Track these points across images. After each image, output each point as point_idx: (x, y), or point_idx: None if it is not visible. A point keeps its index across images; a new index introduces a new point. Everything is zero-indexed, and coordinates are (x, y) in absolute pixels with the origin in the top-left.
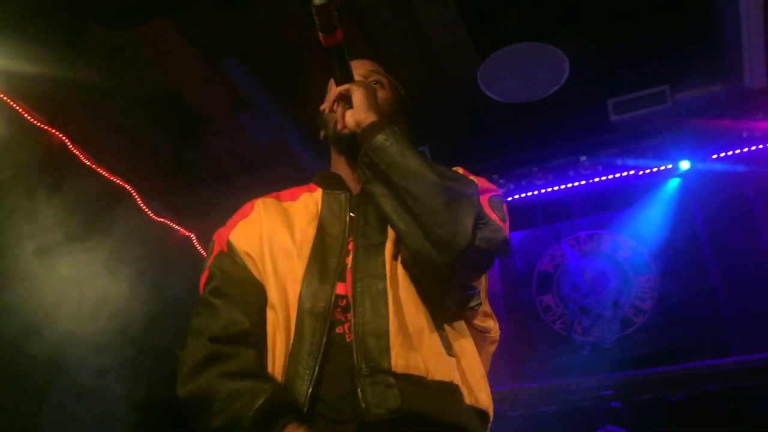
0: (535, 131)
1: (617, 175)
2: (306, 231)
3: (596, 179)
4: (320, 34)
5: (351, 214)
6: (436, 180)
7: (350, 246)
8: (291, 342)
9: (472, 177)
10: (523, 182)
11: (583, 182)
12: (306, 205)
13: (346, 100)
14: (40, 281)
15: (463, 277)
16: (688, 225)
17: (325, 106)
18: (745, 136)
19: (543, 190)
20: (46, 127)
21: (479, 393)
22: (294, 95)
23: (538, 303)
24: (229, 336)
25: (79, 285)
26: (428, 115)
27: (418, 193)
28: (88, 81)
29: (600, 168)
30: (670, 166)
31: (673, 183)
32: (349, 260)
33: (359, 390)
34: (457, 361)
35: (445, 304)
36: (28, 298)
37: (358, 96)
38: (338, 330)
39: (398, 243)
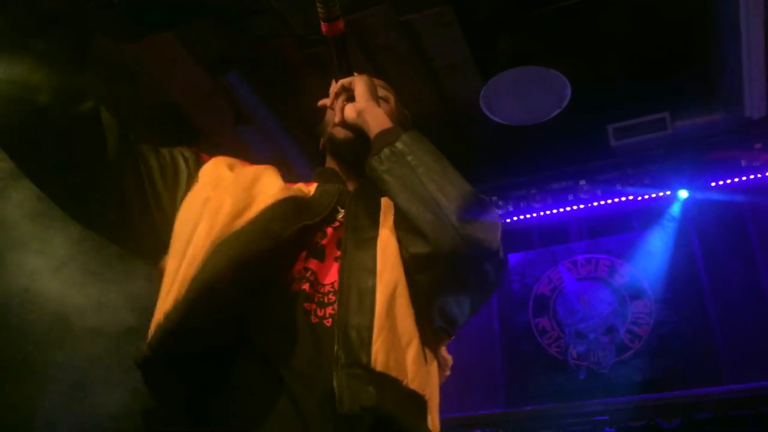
0: (535, 154)
1: (616, 200)
2: (293, 188)
3: (595, 203)
4: (322, 23)
5: (339, 207)
6: (471, 188)
7: (329, 230)
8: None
9: None
10: (521, 204)
11: (581, 206)
12: (300, 188)
13: (347, 92)
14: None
15: (467, 273)
16: (685, 252)
17: (325, 101)
18: (743, 165)
19: (541, 213)
20: None
21: (435, 420)
22: (294, 111)
23: (534, 326)
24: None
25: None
26: (428, 136)
27: (448, 189)
28: (90, 93)
29: (599, 193)
30: (668, 193)
31: (672, 210)
32: (326, 241)
33: (335, 380)
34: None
35: (431, 317)
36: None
37: (360, 87)
38: (294, 287)
39: (391, 239)
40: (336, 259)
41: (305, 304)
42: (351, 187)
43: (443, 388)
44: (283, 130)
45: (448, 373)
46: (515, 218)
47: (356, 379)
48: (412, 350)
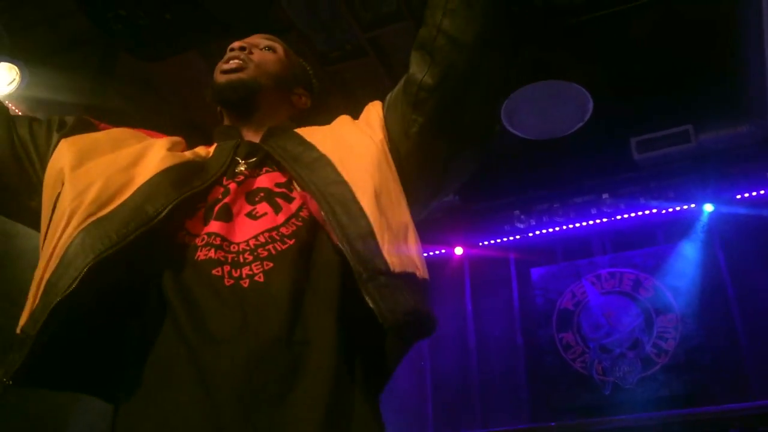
0: (557, 168)
1: (639, 213)
2: (181, 155)
3: (618, 217)
4: None
5: (240, 159)
6: None
7: (232, 186)
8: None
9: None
10: (544, 219)
11: (605, 220)
12: (196, 152)
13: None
14: None
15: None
16: (711, 265)
17: None
18: None
19: (564, 227)
20: None
21: None
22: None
23: (558, 341)
24: None
25: None
26: None
27: None
28: (116, 110)
29: (622, 206)
30: (693, 206)
31: (697, 223)
32: (229, 199)
33: (367, 297)
34: None
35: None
36: None
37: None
38: (199, 256)
39: (343, 151)
40: (248, 215)
41: (213, 271)
42: (249, 137)
43: (467, 405)
44: None
45: None
46: (538, 232)
47: (386, 288)
48: (411, 238)
